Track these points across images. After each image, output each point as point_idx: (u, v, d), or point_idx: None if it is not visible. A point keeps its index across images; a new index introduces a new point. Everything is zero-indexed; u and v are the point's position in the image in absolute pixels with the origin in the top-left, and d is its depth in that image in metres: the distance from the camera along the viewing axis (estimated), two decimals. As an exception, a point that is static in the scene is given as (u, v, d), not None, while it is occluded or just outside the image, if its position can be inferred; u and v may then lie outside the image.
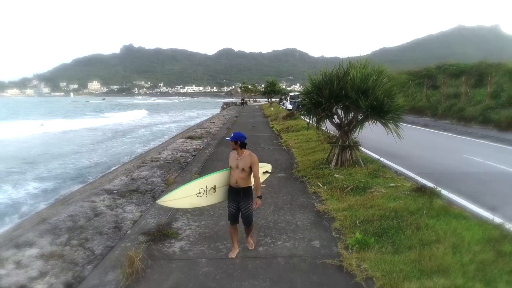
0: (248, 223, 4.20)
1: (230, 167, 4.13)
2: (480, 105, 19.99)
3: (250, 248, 4.36)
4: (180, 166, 9.31)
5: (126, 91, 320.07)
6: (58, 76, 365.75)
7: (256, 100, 66.30)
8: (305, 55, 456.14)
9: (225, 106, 53.77)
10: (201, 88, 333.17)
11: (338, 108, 8.48)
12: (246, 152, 4.08)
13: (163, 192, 6.82)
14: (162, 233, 4.79)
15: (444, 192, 6.11)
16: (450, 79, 28.13)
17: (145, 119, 48.65)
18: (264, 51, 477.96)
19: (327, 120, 8.46)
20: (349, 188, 6.41)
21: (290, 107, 33.25)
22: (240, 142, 4.02)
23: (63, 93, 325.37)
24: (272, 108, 35.75)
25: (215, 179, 4.26)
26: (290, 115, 23.01)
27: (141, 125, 39.29)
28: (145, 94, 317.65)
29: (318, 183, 7.02)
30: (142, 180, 7.83)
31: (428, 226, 4.38)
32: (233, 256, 4.16)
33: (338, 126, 8.41)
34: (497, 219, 4.77)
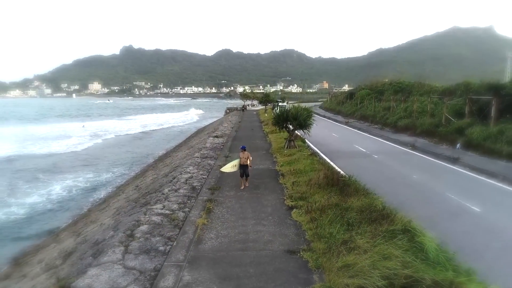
0: (248, 176, 12.14)
1: (240, 157, 12.09)
2: (396, 115, 31.20)
3: (246, 185, 12.28)
4: (219, 149, 20.55)
5: (126, 92, 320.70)
6: (58, 77, 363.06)
7: (254, 105, 77.36)
8: (302, 56, 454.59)
9: (228, 111, 64.77)
10: (200, 89, 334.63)
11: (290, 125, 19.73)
12: (246, 152, 12.07)
13: (217, 165, 17.97)
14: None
15: (322, 155, 17.33)
16: (394, 94, 39.26)
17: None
18: (262, 52, 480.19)
19: (285, 129, 19.74)
20: (287, 154, 17.62)
21: (279, 113, 44.53)
22: (244, 149, 12.26)
23: (65, 94, 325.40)
24: (266, 114, 46.94)
25: (236, 162, 13.82)
26: (276, 121, 34.16)
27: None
28: (145, 95, 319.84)
29: (277, 154, 18.24)
30: (206, 154, 19.01)
31: (302, 161, 15.56)
32: (242, 188, 13.53)
33: (288, 132, 19.67)
34: (324, 157, 15.88)
